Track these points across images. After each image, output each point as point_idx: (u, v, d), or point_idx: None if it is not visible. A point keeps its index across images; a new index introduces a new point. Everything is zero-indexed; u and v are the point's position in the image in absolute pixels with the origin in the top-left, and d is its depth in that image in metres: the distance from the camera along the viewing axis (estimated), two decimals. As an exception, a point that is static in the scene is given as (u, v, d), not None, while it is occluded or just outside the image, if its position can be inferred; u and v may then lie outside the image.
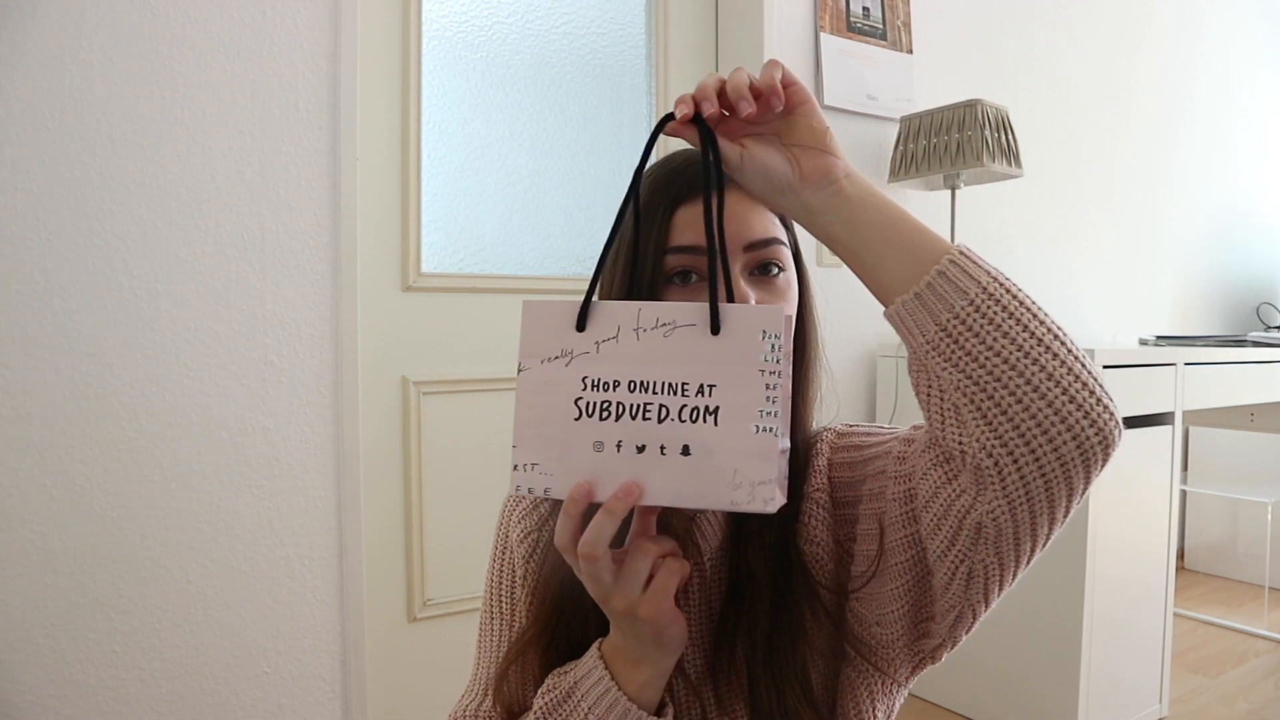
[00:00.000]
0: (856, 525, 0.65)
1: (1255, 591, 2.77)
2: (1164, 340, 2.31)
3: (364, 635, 1.42)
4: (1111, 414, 0.49)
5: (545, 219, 1.73)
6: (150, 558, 1.24)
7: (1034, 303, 0.51)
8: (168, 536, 1.26)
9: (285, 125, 1.33)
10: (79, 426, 1.19)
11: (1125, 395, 1.67)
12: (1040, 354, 0.49)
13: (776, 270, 0.65)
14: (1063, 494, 0.50)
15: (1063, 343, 0.50)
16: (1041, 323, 0.50)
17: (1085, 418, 0.48)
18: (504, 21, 1.67)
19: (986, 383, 0.49)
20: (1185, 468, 2.89)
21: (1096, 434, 0.49)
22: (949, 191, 1.98)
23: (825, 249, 1.92)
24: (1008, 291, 0.50)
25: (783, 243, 0.66)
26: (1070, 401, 0.48)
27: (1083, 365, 0.50)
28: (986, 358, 0.49)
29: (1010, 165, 1.88)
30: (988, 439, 0.50)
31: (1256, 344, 2.19)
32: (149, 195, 1.23)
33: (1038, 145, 2.33)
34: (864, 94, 2.00)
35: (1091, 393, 0.49)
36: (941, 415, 0.53)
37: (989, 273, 0.51)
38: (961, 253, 0.51)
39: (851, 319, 1.99)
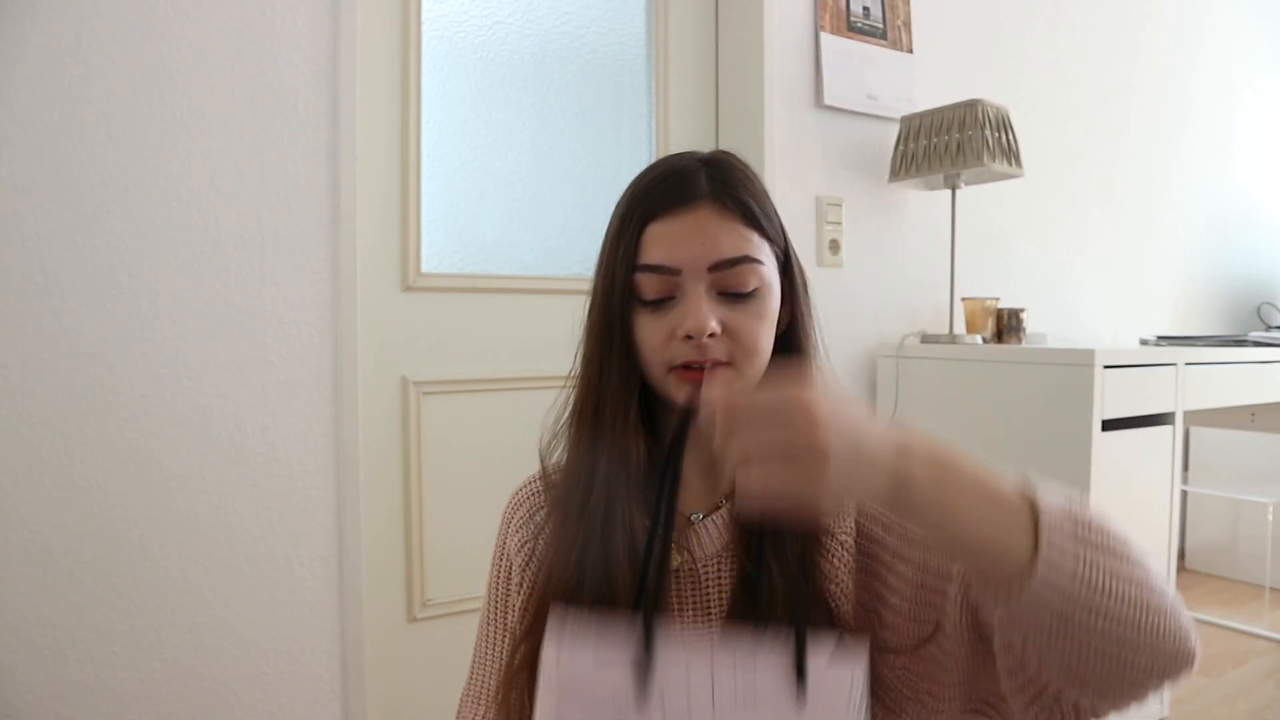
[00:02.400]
0: (882, 584, 0.64)
1: (1256, 592, 2.76)
2: (1164, 340, 2.31)
3: (364, 635, 1.42)
4: (1195, 651, 0.51)
5: (545, 219, 1.73)
6: (150, 558, 1.24)
7: (1128, 563, 0.48)
8: (167, 536, 1.25)
9: (285, 125, 1.33)
10: (79, 426, 1.19)
11: (1126, 395, 1.67)
12: (1146, 626, 0.48)
13: (749, 290, 0.63)
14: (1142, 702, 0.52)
15: (1161, 598, 0.49)
16: (1139, 587, 0.48)
17: (1181, 665, 0.50)
18: (504, 21, 1.67)
19: (1094, 663, 0.49)
20: (1186, 468, 2.89)
21: (1184, 672, 0.50)
22: (949, 191, 1.98)
23: (826, 248, 1.93)
24: (1107, 574, 0.48)
25: (757, 260, 0.64)
26: (1171, 661, 0.49)
27: (1177, 612, 0.50)
28: (1094, 644, 0.48)
29: (1011, 165, 1.87)
30: (1084, 698, 0.51)
31: (1257, 344, 2.19)
32: (149, 195, 1.23)
33: (1038, 145, 2.33)
34: (864, 94, 2.00)
35: (1186, 641, 0.50)
36: (1038, 665, 0.51)
37: (1080, 557, 0.47)
38: (1047, 542, 0.47)
39: (852, 319, 1.99)
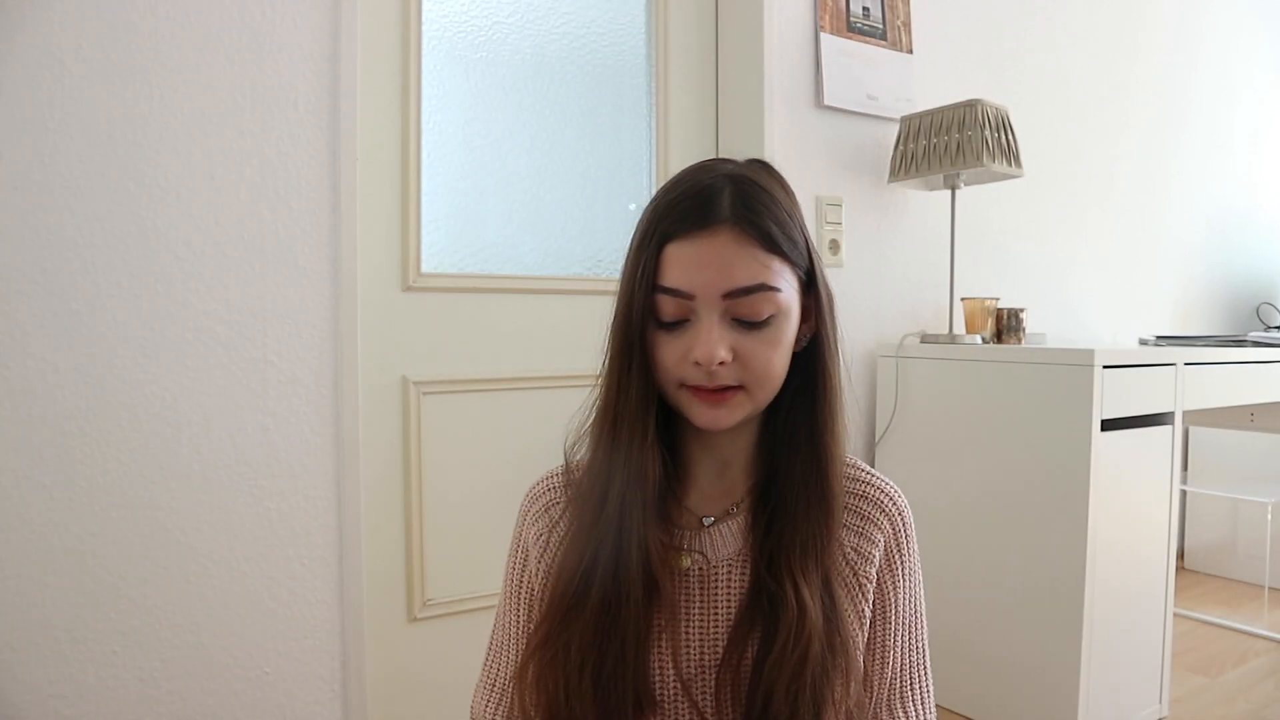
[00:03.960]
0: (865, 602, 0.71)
1: (1255, 591, 2.76)
2: (1164, 340, 2.31)
3: (364, 635, 1.42)
4: None
5: (545, 219, 1.73)
6: (150, 557, 1.24)
7: None
8: (167, 536, 1.25)
9: (285, 125, 1.33)
10: (79, 426, 1.19)
11: (1125, 395, 1.67)
12: None
13: (763, 319, 0.64)
14: None
15: None
16: None
17: None
18: (504, 21, 1.67)
19: None
20: (1185, 468, 2.89)
21: None
22: (949, 191, 1.98)
23: (826, 248, 1.93)
24: None
25: (774, 288, 0.63)
26: None
27: None
28: None
29: (1010, 165, 1.87)
30: None
31: (1256, 344, 2.19)
32: (149, 195, 1.23)
33: (1038, 145, 2.33)
34: (864, 94, 2.00)
35: None
36: None
37: None
38: None
39: (851, 319, 1.99)
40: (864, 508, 0.71)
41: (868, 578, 0.70)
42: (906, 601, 0.72)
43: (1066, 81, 2.50)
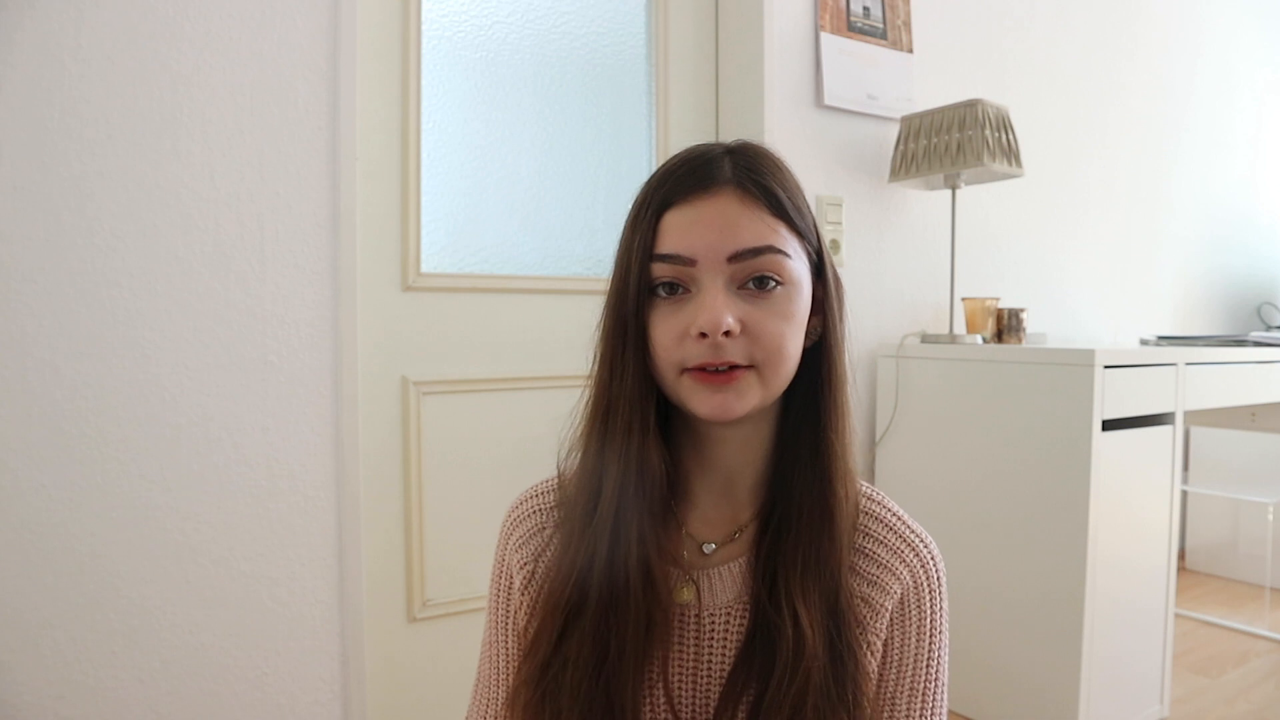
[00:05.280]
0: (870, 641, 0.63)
1: (1256, 592, 2.76)
2: (1165, 340, 2.30)
3: (364, 635, 1.42)
4: None
5: (545, 219, 1.73)
6: (150, 557, 1.24)
7: None
8: (167, 537, 1.25)
9: (285, 125, 1.33)
10: (78, 427, 1.19)
11: (1126, 395, 1.67)
12: None
13: (774, 284, 0.58)
14: None
15: None
16: None
17: None
18: (504, 21, 1.67)
19: None
20: (1186, 468, 2.89)
21: None
22: (949, 191, 1.98)
23: (828, 246, 1.93)
24: None
25: (781, 252, 0.58)
26: None
27: None
28: None
29: (1011, 165, 1.87)
30: None
31: (1257, 344, 2.19)
32: (149, 195, 1.23)
33: (1038, 145, 2.33)
34: (864, 93, 2.00)
35: None
36: None
37: None
38: None
39: (852, 319, 1.98)
40: (882, 554, 0.63)
41: (876, 633, 0.62)
42: (919, 663, 0.62)
43: (1066, 81, 2.50)
